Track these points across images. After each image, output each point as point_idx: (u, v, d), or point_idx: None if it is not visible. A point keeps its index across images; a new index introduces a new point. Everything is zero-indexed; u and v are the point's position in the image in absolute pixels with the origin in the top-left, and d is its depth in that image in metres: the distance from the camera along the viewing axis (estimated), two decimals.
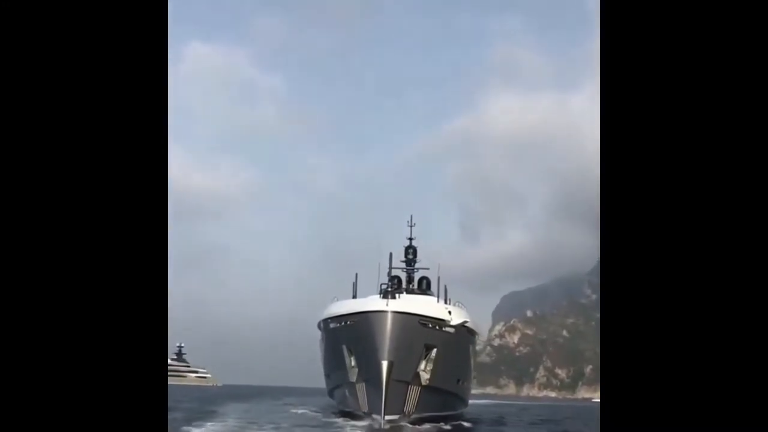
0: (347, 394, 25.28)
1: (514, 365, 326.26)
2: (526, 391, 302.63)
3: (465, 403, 32.20)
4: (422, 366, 23.38)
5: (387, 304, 22.49)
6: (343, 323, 23.99)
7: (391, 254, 25.68)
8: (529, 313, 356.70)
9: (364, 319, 22.66)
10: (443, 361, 23.92)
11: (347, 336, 23.80)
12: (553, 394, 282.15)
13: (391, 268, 25.37)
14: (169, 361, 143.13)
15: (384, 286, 24.53)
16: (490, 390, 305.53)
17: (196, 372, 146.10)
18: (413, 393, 23.25)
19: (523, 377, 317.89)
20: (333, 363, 25.97)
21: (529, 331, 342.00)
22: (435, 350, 23.62)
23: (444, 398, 25.69)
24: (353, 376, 23.72)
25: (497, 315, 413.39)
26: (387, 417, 21.84)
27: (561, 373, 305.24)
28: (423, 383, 23.39)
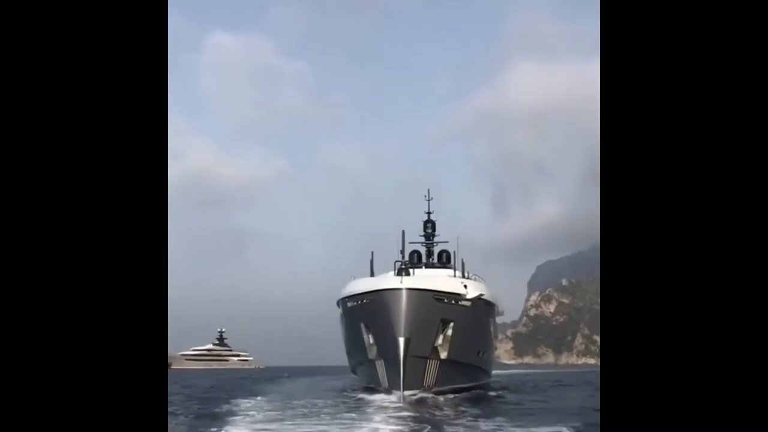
0: (368, 371, 25.67)
1: (552, 334, 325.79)
2: (565, 359, 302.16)
3: (488, 374, 32.31)
4: (440, 340, 23.51)
5: (401, 282, 22.62)
6: (359, 302, 24.25)
7: (403, 232, 25.78)
8: (564, 282, 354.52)
9: (379, 297, 22.87)
10: (461, 334, 24.02)
11: (364, 314, 24.06)
12: (592, 361, 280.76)
13: (404, 245, 25.53)
14: (211, 346, 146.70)
15: (398, 264, 24.68)
16: (528, 360, 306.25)
17: (238, 355, 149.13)
18: (432, 367, 23.44)
19: (561, 346, 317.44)
20: (352, 341, 26.34)
21: (565, 300, 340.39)
22: (452, 324, 23.73)
23: (464, 371, 25.84)
24: (372, 354, 24.01)
25: (533, 285, 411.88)
26: (407, 392, 22.09)
27: (599, 339, 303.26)
28: (441, 357, 23.55)
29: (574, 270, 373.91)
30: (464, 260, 29.55)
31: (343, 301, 25.97)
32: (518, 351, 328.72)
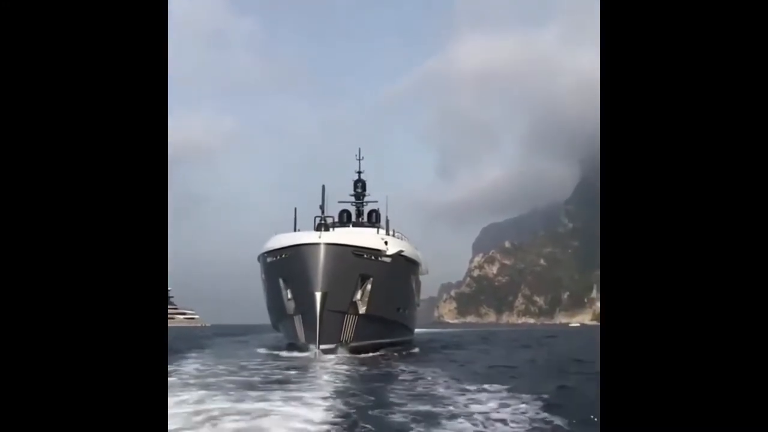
0: (287, 327, 25.55)
1: (494, 294, 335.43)
2: (506, 318, 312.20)
3: (410, 330, 32.67)
4: (358, 296, 23.53)
5: (319, 237, 22.36)
6: (278, 257, 23.90)
7: (323, 187, 25.32)
8: (507, 244, 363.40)
9: (297, 252, 22.61)
10: (380, 290, 24.07)
11: (282, 269, 23.76)
12: (532, 321, 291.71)
13: (323, 201, 25.15)
14: None
15: (318, 219, 24.41)
16: (471, 319, 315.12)
17: (185, 314, 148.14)
18: (350, 322, 23.46)
19: (502, 306, 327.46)
20: (272, 296, 26.04)
21: (507, 262, 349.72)
22: (371, 279, 23.76)
23: (384, 326, 26.00)
24: (290, 309, 23.84)
25: (477, 247, 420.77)
26: (323, 346, 22.09)
27: (539, 300, 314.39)
28: (360, 312, 23.60)
29: (517, 233, 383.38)
30: (389, 219, 29.50)
31: (263, 256, 25.58)
32: (461, 311, 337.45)
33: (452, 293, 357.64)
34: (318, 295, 22.02)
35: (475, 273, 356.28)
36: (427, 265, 34.58)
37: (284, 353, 23.19)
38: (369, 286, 23.68)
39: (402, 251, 25.83)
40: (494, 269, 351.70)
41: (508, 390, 11.31)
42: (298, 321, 23.56)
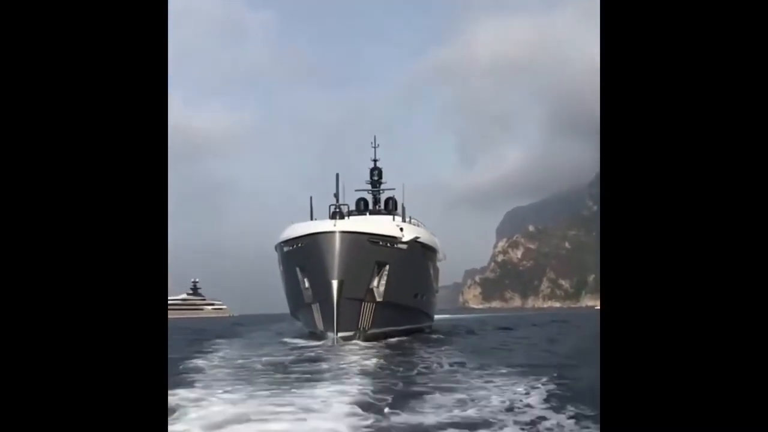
0: (306, 315, 25.78)
1: (519, 279, 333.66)
2: (531, 303, 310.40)
3: (429, 317, 32.66)
4: (375, 283, 23.64)
5: (335, 225, 22.50)
6: (294, 246, 24.10)
7: (337, 175, 25.35)
8: (531, 228, 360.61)
9: (313, 241, 22.76)
10: (397, 276, 24.12)
11: (299, 258, 23.95)
12: (557, 304, 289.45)
13: (338, 189, 25.19)
14: (185, 296, 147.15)
15: (333, 207, 24.50)
16: (495, 304, 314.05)
17: (212, 304, 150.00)
18: (367, 309, 23.59)
19: (527, 290, 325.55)
20: (290, 285, 26.27)
21: (531, 246, 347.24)
22: (387, 267, 23.82)
23: (402, 313, 26.08)
24: (308, 297, 24.06)
25: (501, 232, 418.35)
26: (341, 334, 22.27)
27: (564, 283, 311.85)
28: (377, 299, 23.71)
29: (540, 216, 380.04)
30: (405, 206, 29.52)
31: (280, 246, 25.79)
32: (486, 296, 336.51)
33: (477, 279, 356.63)
34: (335, 283, 22.16)
35: (499, 258, 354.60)
36: (444, 251, 34.53)
37: (301, 341, 23.44)
38: (385, 273, 23.75)
39: (418, 238, 25.82)
40: (518, 254, 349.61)
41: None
42: (315, 309, 23.76)
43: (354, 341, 22.24)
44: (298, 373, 12.67)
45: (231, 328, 44.19)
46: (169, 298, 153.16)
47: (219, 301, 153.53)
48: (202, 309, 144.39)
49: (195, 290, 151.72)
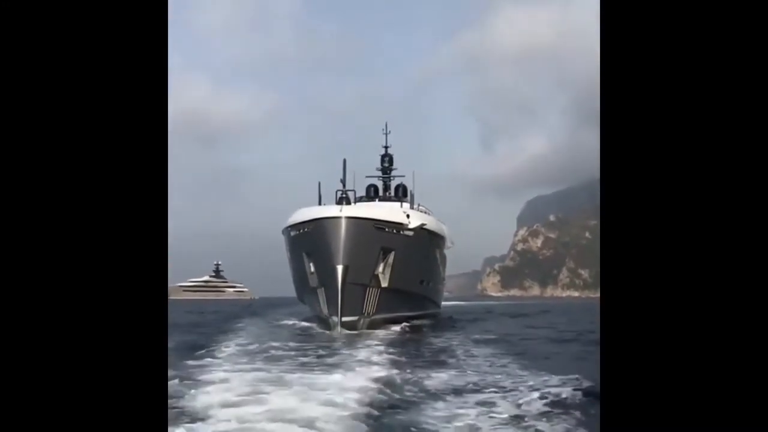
0: (311, 300, 26.01)
1: (538, 268, 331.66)
2: (550, 292, 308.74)
3: (435, 304, 32.74)
4: (380, 269, 23.74)
5: (341, 210, 22.61)
6: (300, 230, 24.27)
7: (344, 161, 25.41)
8: (551, 218, 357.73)
9: (319, 226, 22.90)
10: (403, 263, 24.19)
11: (305, 243, 24.11)
12: (576, 294, 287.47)
13: (344, 174, 25.30)
14: (208, 278, 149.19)
15: (339, 193, 24.60)
16: (515, 292, 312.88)
17: (234, 287, 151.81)
18: (372, 295, 23.71)
19: (546, 279, 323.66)
20: (296, 270, 26.52)
21: (552, 235, 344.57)
22: (393, 253, 23.91)
23: (407, 299, 26.18)
24: (313, 282, 24.27)
25: (522, 220, 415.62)
26: (345, 318, 22.43)
27: (584, 273, 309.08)
28: (383, 285, 23.82)
29: (563, 206, 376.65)
30: (413, 192, 29.56)
31: (287, 230, 25.99)
32: (505, 284, 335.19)
33: (496, 267, 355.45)
34: (339, 268, 22.29)
35: (519, 247, 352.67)
36: (453, 239, 34.53)
37: (304, 323, 23.68)
38: (391, 259, 23.82)
39: (424, 224, 25.83)
40: (538, 242, 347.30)
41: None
42: (321, 294, 23.96)
43: (357, 329, 22.28)
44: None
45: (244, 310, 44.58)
46: (191, 279, 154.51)
47: (240, 283, 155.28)
48: (223, 291, 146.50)
49: (217, 272, 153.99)
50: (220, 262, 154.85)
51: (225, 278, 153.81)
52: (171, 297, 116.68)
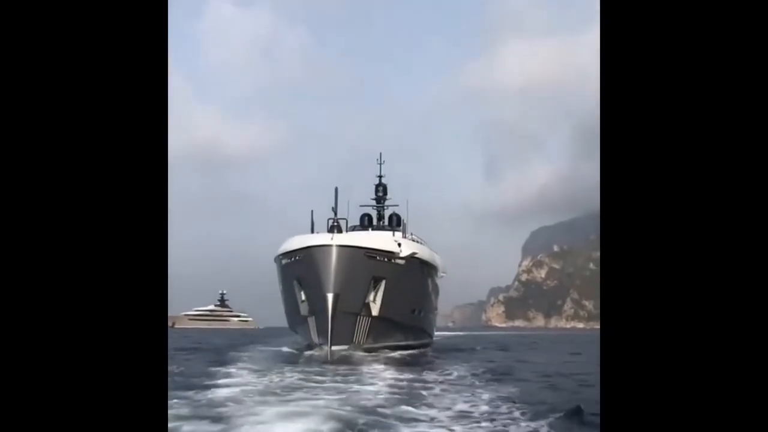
0: (303, 328, 25.90)
1: (543, 298, 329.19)
2: (554, 323, 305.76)
3: (428, 334, 32.27)
4: (371, 297, 23.70)
5: (332, 238, 22.69)
6: (292, 258, 24.31)
7: (336, 189, 25.61)
8: (555, 248, 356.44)
9: (310, 254, 22.94)
10: (394, 292, 24.13)
11: (296, 271, 24.11)
12: (580, 325, 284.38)
13: (336, 203, 25.47)
14: (213, 307, 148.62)
15: (330, 221, 24.70)
16: (519, 323, 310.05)
17: (239, 316, 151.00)
18: (363, 324, 23.64)
19: (551, 310, 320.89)
20: (288, 298, 26.46)
21: (556, 266, 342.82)
22: (384, 282, 23.90)
23: (398, 329, 26.02)
24: (304, 310, 24.23)
25: (527, 250, 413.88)
26: (335, 347, 22.29)
27: (588, 304, 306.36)
28: (373, 314, 23.75)
29: (567, 236, 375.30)
30: (405, 222, 29.68)
31: (278, 258, 26.02)
32: (509, 314, 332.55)
33: (500, 297, 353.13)
34: (330, 297, 22.26)
35: (524, 277, 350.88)
36: (445, 268, 34.40)
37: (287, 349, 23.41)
38: (382, 288, 23.79)
39: (415, 253, 25.84)
40: (543, 273, 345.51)
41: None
42: (311, 322, 23.89)
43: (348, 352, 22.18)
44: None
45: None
46: (196, 308, 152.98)
47: (245, 313, 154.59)
48: (228, 320, 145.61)
49: (222, 302, 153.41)
50: (225, 291, 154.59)
51: (230, 307, 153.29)
52: (176, 326, 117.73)
